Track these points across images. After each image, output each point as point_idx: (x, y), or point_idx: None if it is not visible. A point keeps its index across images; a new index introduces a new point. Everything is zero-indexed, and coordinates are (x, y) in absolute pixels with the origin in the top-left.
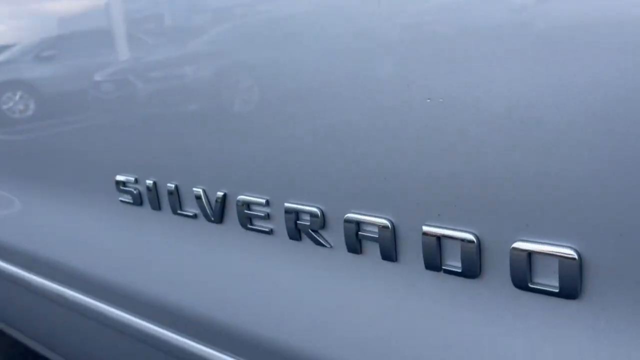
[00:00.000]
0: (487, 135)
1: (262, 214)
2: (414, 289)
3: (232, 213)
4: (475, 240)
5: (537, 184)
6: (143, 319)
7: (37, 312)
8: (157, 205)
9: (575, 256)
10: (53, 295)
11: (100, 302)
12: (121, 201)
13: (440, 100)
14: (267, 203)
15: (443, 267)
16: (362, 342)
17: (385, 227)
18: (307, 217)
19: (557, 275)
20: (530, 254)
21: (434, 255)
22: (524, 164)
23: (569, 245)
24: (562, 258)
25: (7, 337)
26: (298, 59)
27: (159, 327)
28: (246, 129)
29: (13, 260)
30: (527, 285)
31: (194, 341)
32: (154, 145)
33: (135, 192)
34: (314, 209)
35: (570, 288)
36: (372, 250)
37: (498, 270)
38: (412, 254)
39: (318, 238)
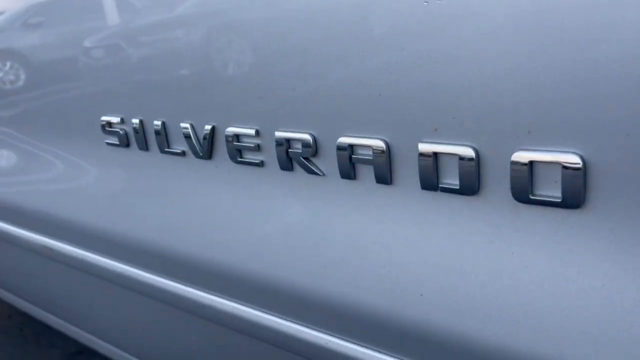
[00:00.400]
0: (485, 39)
1: (252, 145)
2: (410, 211)
3: (221, 147)
4: (474, 154)
5: (539, 87)
6: (136, 266)
7: (24, 267)
8: (144, 145)
9: (580, 163)
10: (40, 248)
11: (89, 251)
12: (108, 143)
13: (438, 2)
14: (257, 133)
15: (440, 186)
16: (360, 269)
17: (379, 148)
18: (299, 146)
19: (559, 185)
20: (532, 163)
21: (430, 174)
22: (525, 66)
23: (573, 151)
24: (565, 165)
25: (3, 305)
26: None
27: (153, 273)
28: (230, 56)
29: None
30: (528, 198)
31: (188, 285)
32: (139, 82)
33: (121, 133)
34: (306, 136)
35: (574, 197)
36: (366, 175)
37: (497, 184)
38: (407, 174)
39: (310, 166)
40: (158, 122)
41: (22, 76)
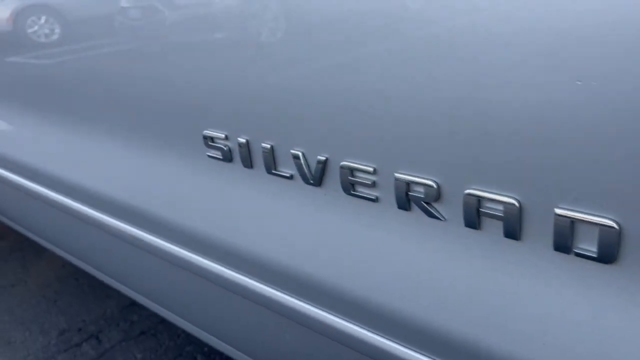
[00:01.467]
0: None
1: (368, 182)
2: (540, 270)
3: (333, 177)
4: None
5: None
6: (228, 267)
7: (120, 256)
8: (249, 164)
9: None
10: (130, 239)
11: (181, 247)
12: (209, 156)
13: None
14: (375, 171)
15: (574, 250)
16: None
17: (511, 204)
18: (420, 189)
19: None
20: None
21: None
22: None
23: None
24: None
25: (55, 255)
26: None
27: (244, 274)
28: (353, 89)
29: (101, 207)
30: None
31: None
32: (248, 101)
33: (225, 148)
34: (428, 182)
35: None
36: (493, 227)
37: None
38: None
39: (431, 210)
40: (267, 145)
41: (122, 76)
